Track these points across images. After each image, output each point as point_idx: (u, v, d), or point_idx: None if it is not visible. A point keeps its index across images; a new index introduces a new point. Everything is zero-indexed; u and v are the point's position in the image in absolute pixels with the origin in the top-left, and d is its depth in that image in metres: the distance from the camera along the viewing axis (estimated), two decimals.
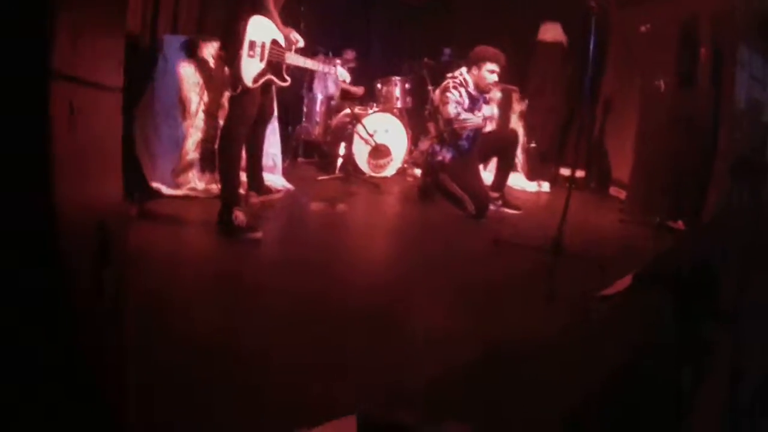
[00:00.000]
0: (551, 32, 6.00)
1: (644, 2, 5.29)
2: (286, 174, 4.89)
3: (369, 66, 6.34)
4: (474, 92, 4.49)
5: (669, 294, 2.33)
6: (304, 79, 5.81)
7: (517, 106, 6.13)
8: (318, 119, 5.97)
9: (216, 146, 3.65)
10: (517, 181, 5.76)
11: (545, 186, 5.86)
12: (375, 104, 5.77)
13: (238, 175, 3.54)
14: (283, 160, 4.95)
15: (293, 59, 3.58)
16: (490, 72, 4.43)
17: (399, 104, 5.86)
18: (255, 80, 3.31)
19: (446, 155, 4.53)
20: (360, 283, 2.92)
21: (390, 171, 5.61)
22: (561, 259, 3.24)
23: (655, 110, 4.78)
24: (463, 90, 4.45)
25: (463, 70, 4.52)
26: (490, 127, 4.68)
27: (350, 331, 2.31)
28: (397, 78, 5.92)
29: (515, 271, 3.27)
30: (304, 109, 5.94)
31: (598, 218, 4.80)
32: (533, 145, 5.86)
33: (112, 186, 2.01)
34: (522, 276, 3.20)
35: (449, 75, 4.58)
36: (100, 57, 1.64)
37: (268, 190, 4.17)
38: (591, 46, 3.34)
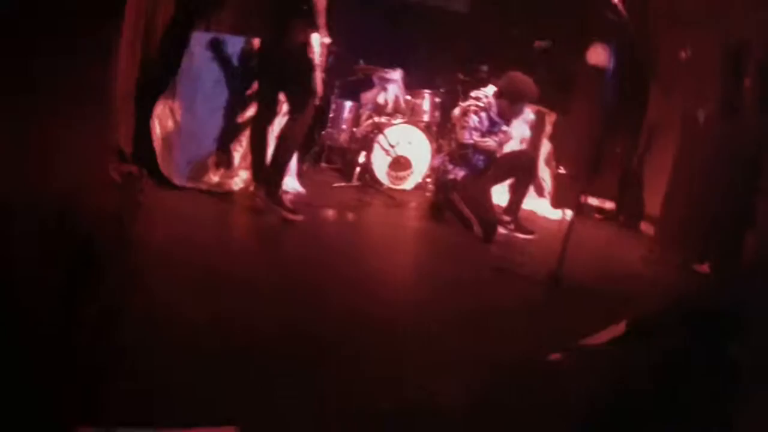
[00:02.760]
0: (596, 55, 5.79)
1: (686, 26, 4.99)
2: (303, 178, 4.87)
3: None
4: (496, 117, 4.37)
5: (669, 344, 2.18)
6: (333, 84, 5.75)
7: (550, 129, 5.94)
8: (344, 126, 5.92)
9: (277, 140, 3.99)
10: (541, 207, 5.59)
11: (570, 215, 5.65)
12: (401, 115, 5.65)
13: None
14: (302, 164, 4.93)
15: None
16: (519, 108, 4.35)
17: (426, 117, 5.75)
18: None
19: (459, 173, 4.42)
20: (356, 298, 2.84)
21: (409, 184, 5.50)
22: (559, 293, 3.12)
23: (694, 142, 4.51)
24: (484, 114, 4.34)
25: (489, 92, 4.39)
26: (509, 148, 4.54)
27: (346, 345, 2.27)
28: (427, 91, 5.82)
29: (513, 300, 3.15)
30: (331, 115, 5.90)
31: (617, 253, 4.61)
32: (561, 171, 5.65)
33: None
34: (519, 306, 3.07)
35: (473, 95, 4.45)
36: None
37: None
38: (613, 64, 3.19)
